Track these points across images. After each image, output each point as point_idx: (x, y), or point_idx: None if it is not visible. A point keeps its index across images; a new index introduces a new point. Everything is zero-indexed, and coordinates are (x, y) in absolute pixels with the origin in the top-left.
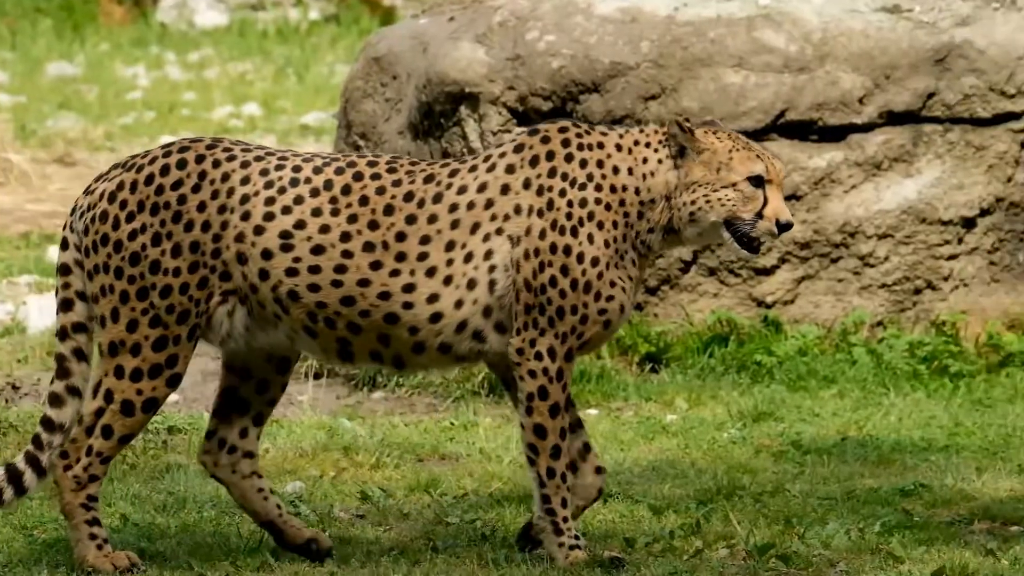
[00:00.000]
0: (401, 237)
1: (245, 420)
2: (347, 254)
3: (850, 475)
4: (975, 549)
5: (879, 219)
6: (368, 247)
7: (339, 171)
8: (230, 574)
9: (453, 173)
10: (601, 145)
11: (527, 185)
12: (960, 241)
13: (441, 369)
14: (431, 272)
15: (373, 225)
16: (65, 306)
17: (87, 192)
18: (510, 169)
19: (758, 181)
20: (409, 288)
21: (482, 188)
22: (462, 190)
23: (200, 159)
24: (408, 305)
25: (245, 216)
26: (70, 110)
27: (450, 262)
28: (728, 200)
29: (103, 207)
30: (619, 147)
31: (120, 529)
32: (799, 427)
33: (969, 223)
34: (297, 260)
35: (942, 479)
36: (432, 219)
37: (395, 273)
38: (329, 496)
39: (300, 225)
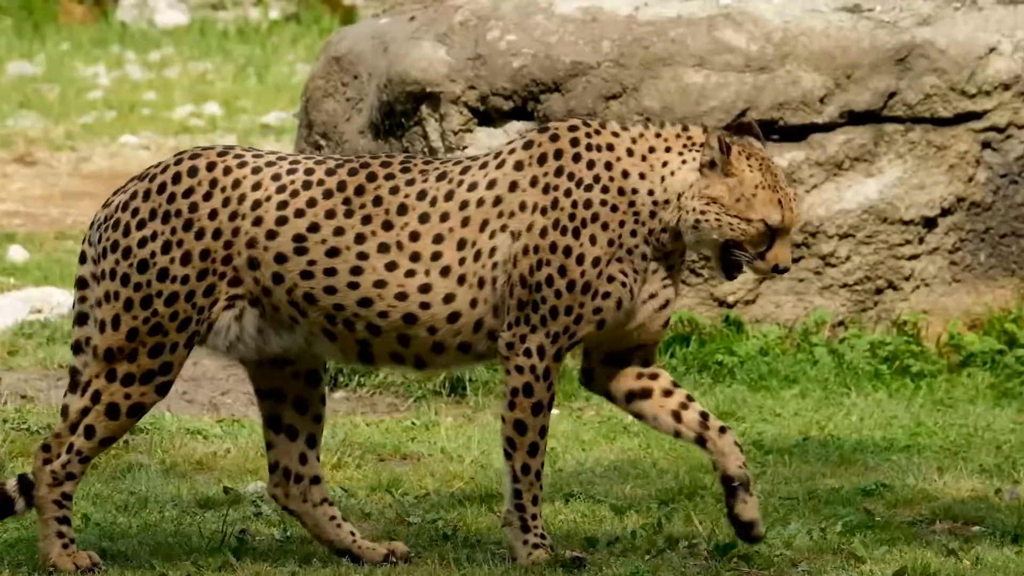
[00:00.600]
0: (415, 237)
1: (299, 445)
2: (362, 256)
3: (812, 475)
4: (937, 549)
5: (840, 219)
6: (383, 248)
7: (352, 172)
8: (191, 574)
9: (465, 170)
10: (611, 147)
11: (534, 182)
12: (921, 241)
13: (463, 367)
14: (445, 271)
15: (387, 225)
16: (80, 320)
17: (105, 205)
18: (519, 166)
19: (771, 227)
20: (425, 288)
21: (491, 185)
22: (473, 187)
23: (211, 167)
24: (425, 305)
25: (257, 221)
26: (30, 109)
27: (462, 261)
28: (737, 229)
29: (116, 216)
30: (631, 151)
31: (82, 529)
32: (761, 427)
33: (930, 223)
34: (312, 263)
35: (904, 479)
36: (444, 217)
37: (410, 273)
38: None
39: (314, 228)
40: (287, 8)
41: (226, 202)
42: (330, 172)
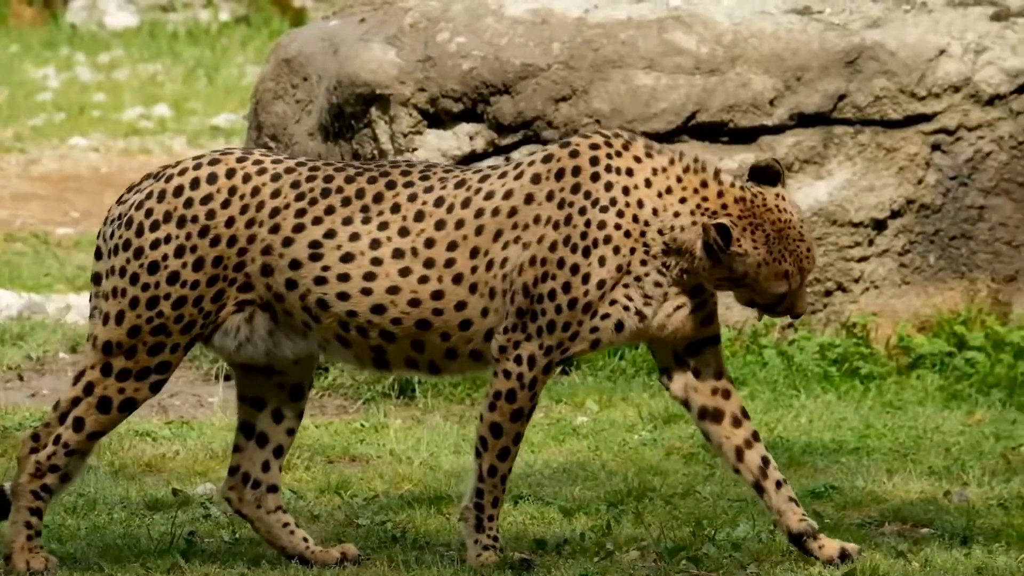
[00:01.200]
0: (430, 243)
1: (265, 453)
2: (376, 261)
3: None
4: (886, 551)
5: None
6: (397, 254)
7: (372, 180)
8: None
9: (484, 179)
10: (631, 172)
11: (550, 196)
12: (871, 243)
13: (476, 374)
14: (458, 279)
15: (403, 232)
16: (96, 316)
17: (119, 202)
18: (536, 179)
19: (780, 295)
20: (438, 295)
21: (508, 195)
22: (489, 196)
23: (231, 173)
24: (438, 312)
25: (274, 229)
26: None
27: (474, 269)
28: (748, 296)
29: (130, 215)
30: (649, 182)
31: None
32: None
33: (880, 225)
34: (326, 268)
35: (852, 481)
36: (460, 224)
37: (424, 280)
38: None
39: (330, 234)
40: (237, 10)
41: (244, 209)
42: (349, 179)
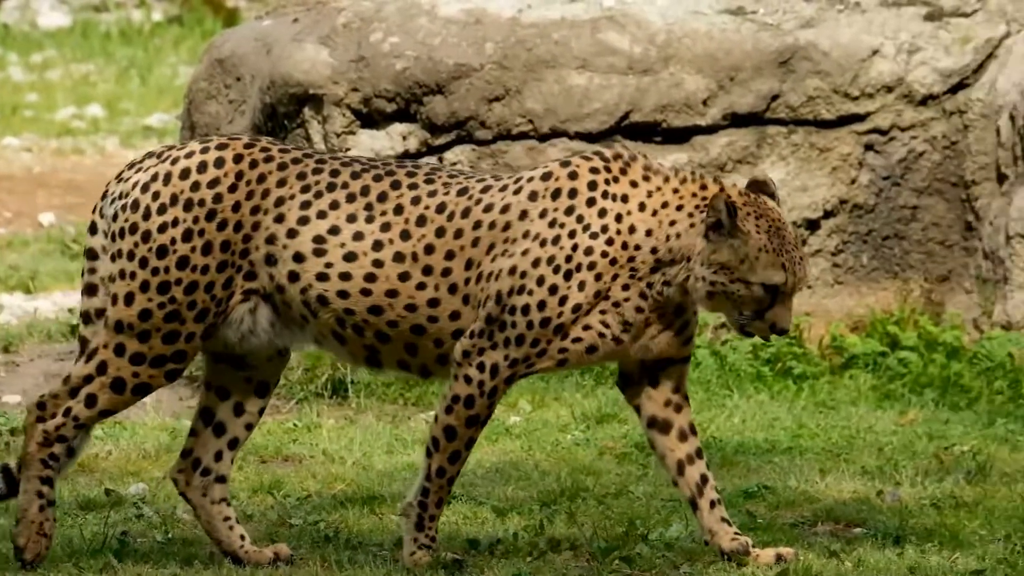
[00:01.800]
0: (429, 250)
1: (220, 443)
2: (378, 263)
3: None
4: (819, 551)
5: None
6: (398, 258)
7: (377, 178)
8: None
9: (485, 189)
10: (626, 198)
11: (543, 215)
12: (804, 243)
13: None
14: (453, 289)
15: (405, 235)
16: (89, 291)
17: (119, 179)
18: (533, 196)
19: (772, 289)
20: (434, 303)
21: (504, 210)
22: (488, 208)
23: (238, 159)
24: (433, 319)
25: (279, 219)
26: None
27: (467, 281)
28: (738, 295)
29: (135, 196)
30: (643, 206)
31: None
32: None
33: (813, 225)
34: (329, 265)
35: (785, 481)
36: (458, 234)
37: (421, 287)
38: (172, 498)
39: (334, 231)
40: (170, 10)
41: (250, 195)
42: (355, 176)
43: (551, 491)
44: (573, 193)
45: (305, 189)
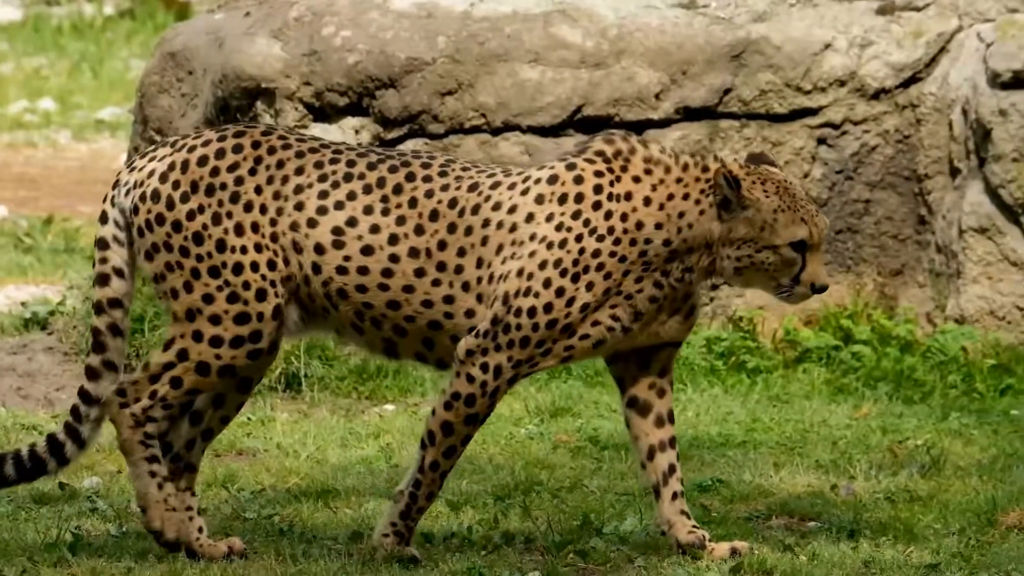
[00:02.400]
0: (442, 246)
1: (194, 431)
2: (394, 258)
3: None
4: (773, 544)
5: None
6: (413, 253)
7: (393, 169)
8: (27, 570)
9: (495, 186)
10: (629, 196)
11: (549, 218)
12: None
13: None
14: (466, 287)
15: (419, 230)
16: (102, 280)
17: (131, 168)
18: (540, 199)
19: (800, 246)
20: (449, 299)
21: (512, 210)
22: (497, 207)
23: (256, 145)
24: (449, 315)
25: (299, 206)
26: None
27: (479, 280)
28: (769, 264)
29: (153, 186)
30: (648, 200)
31: None
32: (597, 423)
33: None
34: (347, 259)
35: (740, 475)
36: (468, 231)
37: (436, 283)
38: (126, 492)
39: (352, 222)
40: (121, 4)
41: (270, 180)
42: (371, 167)
43: (505, 485)
44: (580, 198)
45: (322, 179)
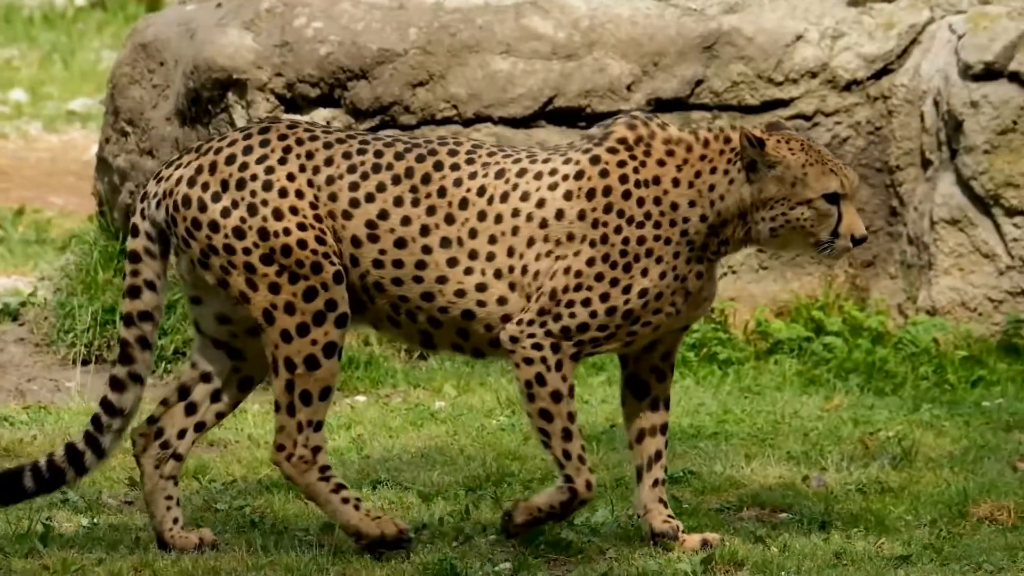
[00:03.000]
0: (474, 234)
1: (188, 422)
2: (427, 249)
3: (619, 462)
4: (744, 536)
5: None
6: (445, 243)
7: (420, 159)
8: None
9: (521, 173)
10: (658, 180)
11: (582, 216)
12: None
13: None
14: (498, 274)
15: (449, 219)
16: (132, 293)
17: (158, 179)
18: (568, 196)
19: (833, 198)
20: (482, 288)
21: (540, 204)
22: (525, 197)
23: (283, 137)
24: (482, 303)
25: (332, 197)
26: None
27: (511, 269)
28: (805, 219)
29: (183, 192)
30: (676, 181)
31: None
32: None
33: None
34: (383, 252)
35: (711, 466)
36: (498, 219)
37: (469, 271)
38: (97, 483)
39: (383, 215)
40: None
41: (302, 168)
42: (399, 156)
43: (476, 476)
44: (608, 191)
45: (351, 169)
